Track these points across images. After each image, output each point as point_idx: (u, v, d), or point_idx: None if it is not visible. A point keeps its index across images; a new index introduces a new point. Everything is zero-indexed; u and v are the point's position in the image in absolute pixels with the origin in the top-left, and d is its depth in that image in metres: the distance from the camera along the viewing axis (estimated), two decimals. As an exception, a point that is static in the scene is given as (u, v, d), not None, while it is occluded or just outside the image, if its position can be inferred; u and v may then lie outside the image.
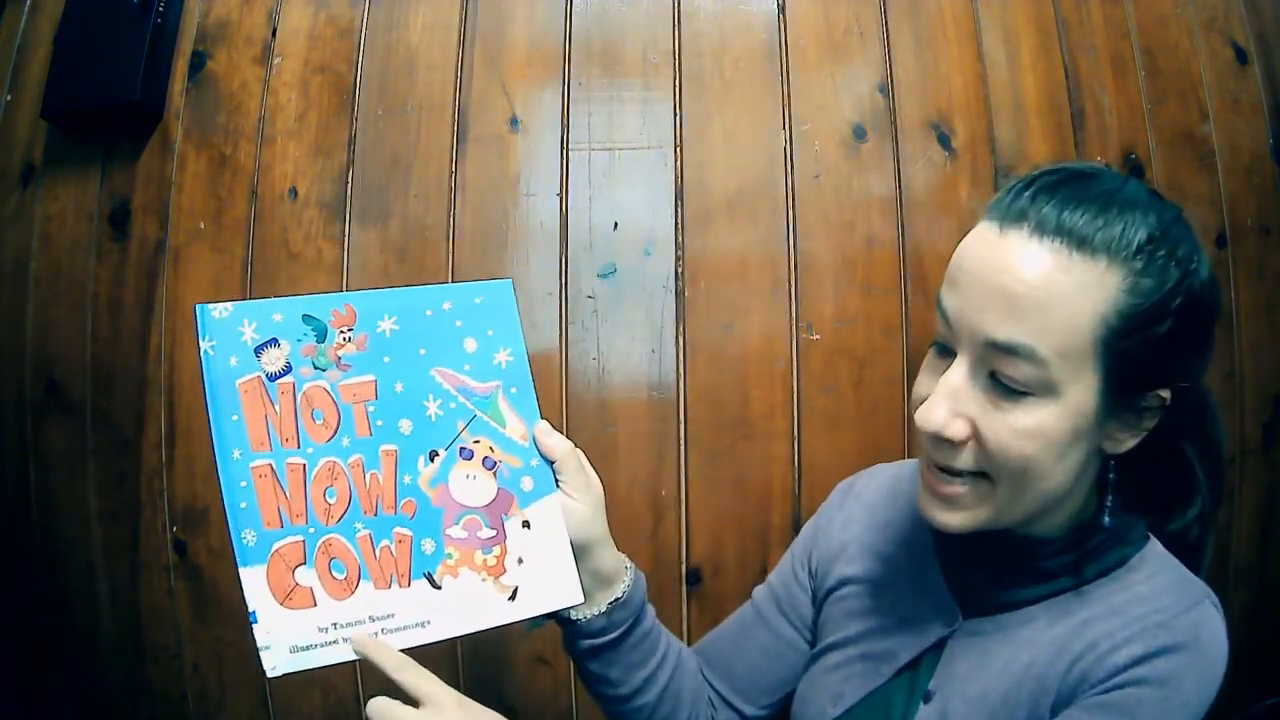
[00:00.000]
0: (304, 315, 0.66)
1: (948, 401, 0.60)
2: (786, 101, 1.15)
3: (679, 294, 1.11)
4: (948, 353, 0.62)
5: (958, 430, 0.60)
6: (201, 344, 0.64)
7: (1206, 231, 1.21)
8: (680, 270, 1.12)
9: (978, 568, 0.69)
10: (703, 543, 1.10)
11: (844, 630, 0.75)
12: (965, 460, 0.61)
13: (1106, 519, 0.64)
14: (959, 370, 0.60)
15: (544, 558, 0.69)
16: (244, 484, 0.63)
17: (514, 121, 1.15)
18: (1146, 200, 0.61)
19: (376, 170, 1.15)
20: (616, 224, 1.13)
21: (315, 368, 0.66)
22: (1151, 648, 0.59)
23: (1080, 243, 0.57)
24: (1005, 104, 1.16)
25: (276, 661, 0.61)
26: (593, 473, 0.72)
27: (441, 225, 1.13)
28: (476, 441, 0.69)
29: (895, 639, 0.72)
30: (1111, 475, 0.64)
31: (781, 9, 1.16)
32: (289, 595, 0.62)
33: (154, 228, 1.19)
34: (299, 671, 0.62)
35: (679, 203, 1.13)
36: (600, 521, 0.72)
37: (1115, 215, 0.58)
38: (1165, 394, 0.60)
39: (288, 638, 0.62)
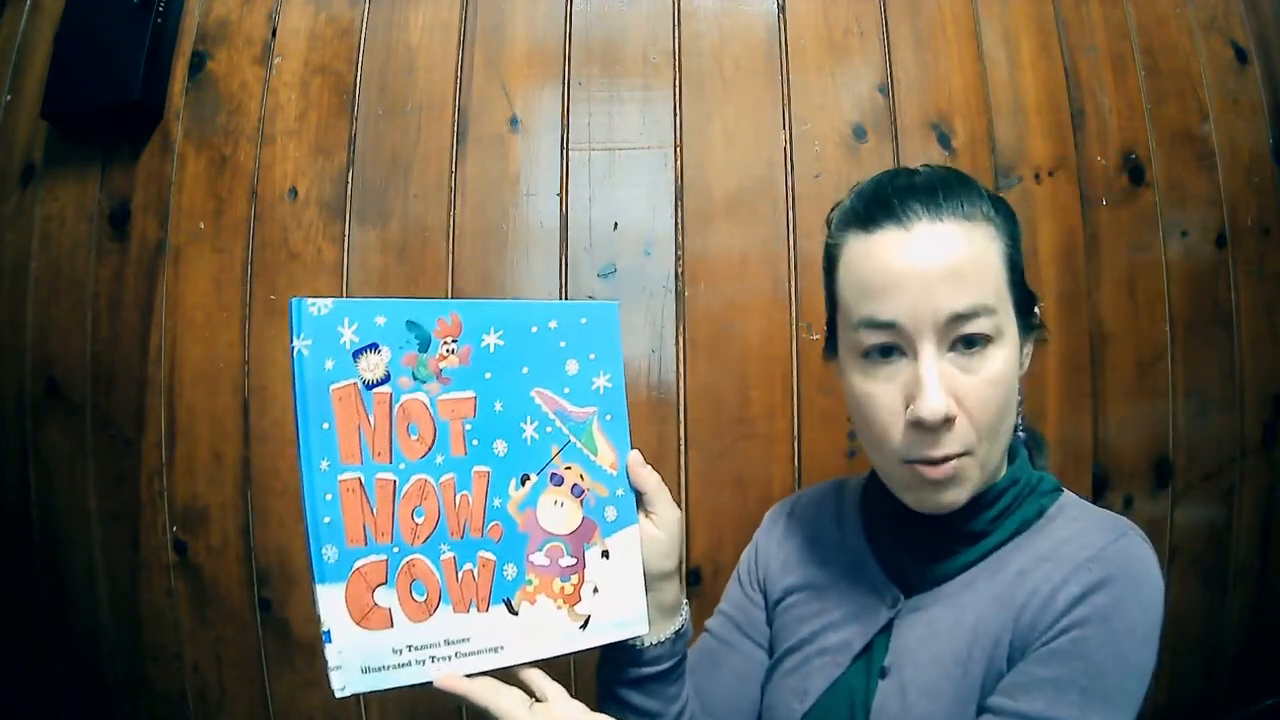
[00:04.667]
0: (408, 321, 0.62)
1: (943, 385, 0.65)
2: (786, 101, 1.15)
3: (679, 294, 1.11)
4: (888, 353, 0.67)
5: (955, 407, 0.65)
6: (295, 342, 0.59)
7: (1206, 232, 1.21)
8: (680, 270, 1.12)
9: (910, 551, 0.75)
10: (703, 543, 1.10)
11: (797, 634, 0.79)
12: (959, 439, 0.66)
13: (1022, 434, 0.74)
14: (931, 356, 0.65)
15: (618, 588, 0.69)
16: (329, 497, 0.59)
17: (514, 121, 1.15)
18: (957, 175, 0.72)
19: (376, 170, 1.15)
20: (616, 224, 1.13)
21: (415, 379, 0.62)
22: (1087, 585, 0.63)
23: (965, 215, 0.68)
24: (1005, 104, 1.16)
25: (347, 682, 0.59)
26: (675, 505, 0.73)
27: (441, 225, 1.13)
28: (568, 468, 0.68)
29: (847, 630, 0.75)
30: (1020, 396, 0.72)
31: (781, 9, 1.16)
32: (366, 615, 0.59)
33: (154, 228, 1.19)
34: (368, 692, 0.60)
35: (679, 203, 1.13)
36: (676, 554, 0.73)
37: (962, 191, 0.69)
38: (1039, 306, 0.73)
39: (360, 659, 0.59)
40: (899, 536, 0.76)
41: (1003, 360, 0.67)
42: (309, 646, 1.11)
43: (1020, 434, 0.73)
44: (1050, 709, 0.60)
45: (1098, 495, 1.14)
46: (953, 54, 1.17)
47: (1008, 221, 0.71)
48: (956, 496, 0.67)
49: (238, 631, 1.13)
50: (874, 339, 0.67)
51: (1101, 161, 1.18)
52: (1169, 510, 1.16)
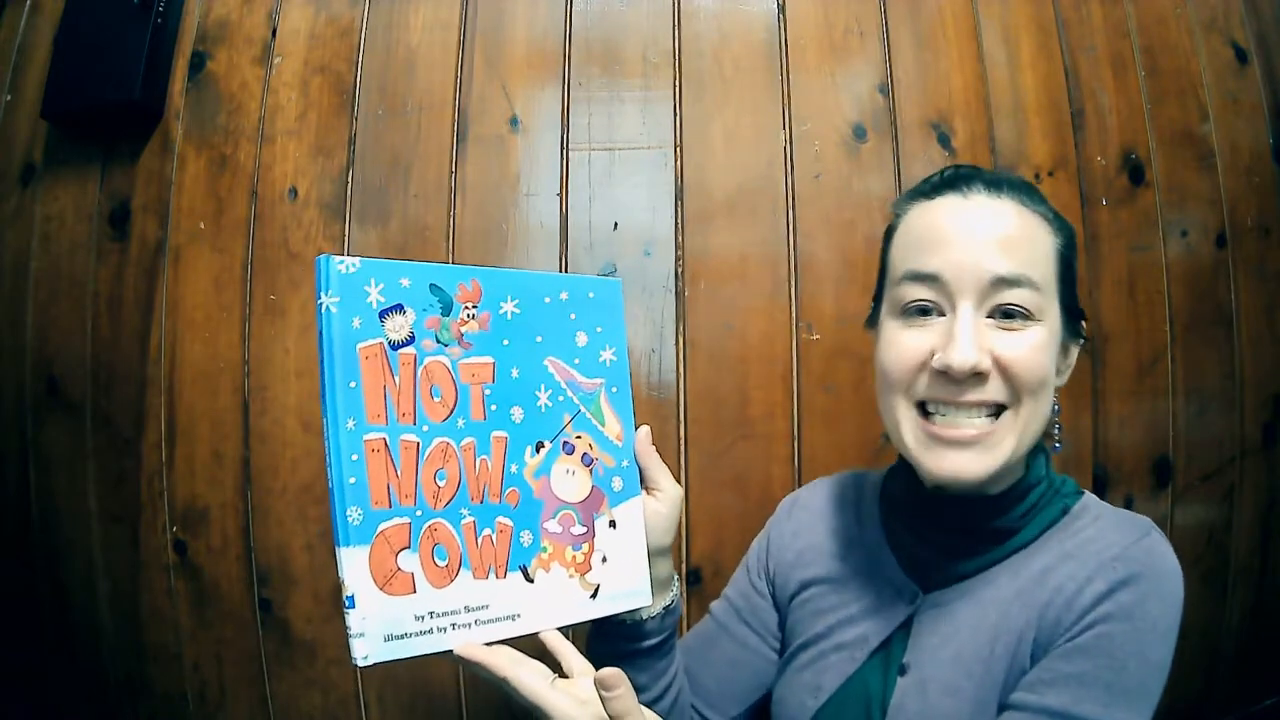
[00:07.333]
0: (431, 285, 0.63)
1: (976, 338, 0.65)
2: (786, 101, 1.14)
3: (679, 294, 1.11)
4: (926, 313, 0.68)
5: (987, 362, 0.65)
6: (323, 299, 0.59)
7: (1206, 232, 1.21)
8: (680, 270, 1.12)
9: (930, 547, 0.74)
10: (703, 543, 1.10)
11: (813, 629, 0.78)
12: (992, 391, 0.65)
13: (1058, 445, 0.74)
14: (969, 310, 0.66)
15: (624, 558, 0.70)
16: (355, 458, 0.59)
17: (514, 121, 1.15)
18: (1022, 178, 0.75)
19: (376, 170, 1.15)
20: (616, 224, 1.13)
21: (438, 341, 0.63)
22: (1111, 582, 0.63)
23: (1023, 198, 0.70)
24: (1005, 104, 1.16)
25: (370, 650, 0.58)
26: (676, 483, 0.75)
27: (441, 225, 1.13)
28: (578, 437, 0.69)
29: (863, 625, 0.75)
30: (1056, 405, 0.71)
31: (781, 9, 1.16)
32: (389, 580, 0.59)
33: (154, 228, 1.19)
34: (389, 661, 0.59)
35: (679, 203, 1.13)
36: (675, 530, 0.75)
37: (1024, 185, 0.71)
38: (1085, 324, 0.73)
39: (383, 626, 0.58)
40: (924, 532, 0.74)
41: (1042, 338, 0.66)
42: (309, 646, 1.11)
43: (1057, 445, 0.73)
44: (1074, 704, 0.61)
45: (1097, 495, 1.14)
46: (953, 54, 1.17)
47: (1065, 228, 0.71)
48: (980, 464, 0.66)
49: (238, 631, 1.13)
50: (915, 293, 0.68)
51: (1101, 161, 1.18)
52: (1169, 510, 1.16)
